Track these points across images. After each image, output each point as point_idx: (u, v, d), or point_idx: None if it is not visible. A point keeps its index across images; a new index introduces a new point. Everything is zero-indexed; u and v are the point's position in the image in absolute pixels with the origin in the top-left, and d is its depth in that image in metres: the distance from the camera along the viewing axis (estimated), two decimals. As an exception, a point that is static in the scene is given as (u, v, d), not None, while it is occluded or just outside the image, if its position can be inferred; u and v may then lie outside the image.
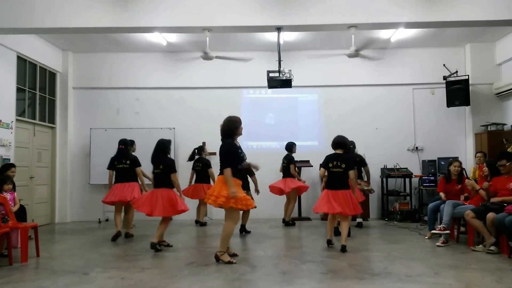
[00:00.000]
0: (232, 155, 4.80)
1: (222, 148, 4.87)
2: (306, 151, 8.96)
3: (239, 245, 6.11)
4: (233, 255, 5.09)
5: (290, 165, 7.95)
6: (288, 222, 8.04)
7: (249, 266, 4.74)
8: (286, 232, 7.35)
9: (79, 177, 9.21)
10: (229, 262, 4.77)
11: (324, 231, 7.39)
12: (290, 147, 8.17)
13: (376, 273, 4.36)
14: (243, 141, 9.32)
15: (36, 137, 8.47)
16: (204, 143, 8.65)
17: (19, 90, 7.86)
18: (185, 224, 8.24)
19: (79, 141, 9.30)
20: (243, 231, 7.07)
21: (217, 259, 4.83)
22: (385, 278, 4.16)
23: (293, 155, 8.14)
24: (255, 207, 5.50)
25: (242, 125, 5.00)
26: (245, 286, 3.98)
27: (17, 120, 7.72)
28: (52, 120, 9.06)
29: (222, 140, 4.94)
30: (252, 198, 6.77)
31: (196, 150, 8.25)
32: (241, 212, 5.20)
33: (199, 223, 8.13)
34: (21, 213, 6.18)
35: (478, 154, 7.29)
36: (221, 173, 4.81)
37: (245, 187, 6.45)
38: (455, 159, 6.72)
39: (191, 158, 8.19)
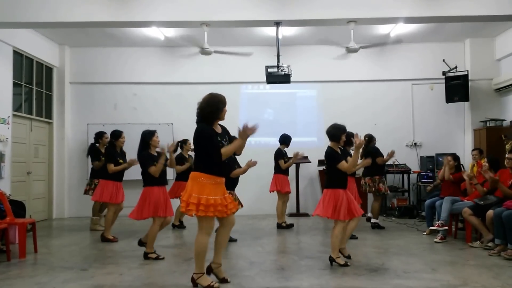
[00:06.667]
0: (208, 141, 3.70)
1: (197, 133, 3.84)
2: (305, 147, 8.89)
3: (238, 241, 6.10)
4: (223, 281, 3.91)
5: (279, 160, 7.23)
6: (281, 225, 7.26)
7: (248, 262, 4.74)
8: (284, 229, 7.33)
9: (76, 173, 9.18)
10: (209, 287, 3.71)
11: (323, 226, 7.43)
12: (286, 139, 7.38)
13: (374, 269, 4.37)
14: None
15: (33, 132, 8.43)
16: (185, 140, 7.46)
17: (15, 85, 7.81)
18: (183, 220, 8.21)
19: (76, 137, 9.26)
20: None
21: (194, 283, 3.78)
22: (383, 274, 4.17)
23: (286, 149, 7.36)
24: (237, 209, 4.27)
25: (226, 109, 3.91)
26: (243, 282, 3.97)
27: (13, 115, 7.67)
28: (49, 115, 9.01)
29: (197, 122, 3.88)
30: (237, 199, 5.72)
31: (179, 143, 7.18)
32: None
33: (175, 226, 7.27)
34: (20, 209, 6.18)
35: (474, 152, 7.29)
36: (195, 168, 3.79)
37: (230, 186, 5.29)
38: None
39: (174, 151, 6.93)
